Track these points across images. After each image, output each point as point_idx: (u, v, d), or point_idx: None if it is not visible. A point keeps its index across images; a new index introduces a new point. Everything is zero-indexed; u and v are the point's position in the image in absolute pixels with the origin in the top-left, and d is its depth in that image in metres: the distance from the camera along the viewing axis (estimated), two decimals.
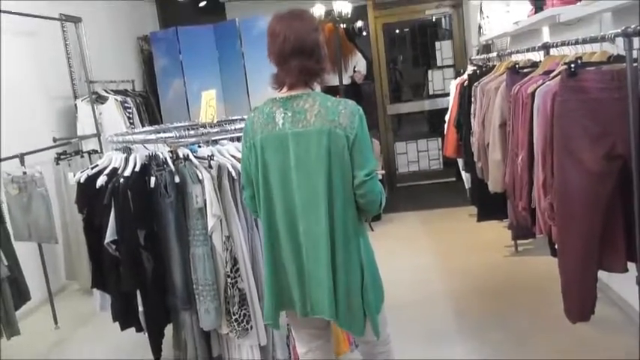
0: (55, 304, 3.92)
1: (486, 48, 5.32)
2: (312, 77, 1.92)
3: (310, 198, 1.87)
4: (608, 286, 3.32)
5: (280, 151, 1.88)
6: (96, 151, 4.45)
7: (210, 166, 2.37)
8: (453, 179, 6.11)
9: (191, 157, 2.42)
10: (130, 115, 4.99)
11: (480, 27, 5.08)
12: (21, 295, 3.10)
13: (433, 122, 7.30)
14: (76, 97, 5.04)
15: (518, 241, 4.36)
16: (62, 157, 4.26)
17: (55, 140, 4.63)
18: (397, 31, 7.32)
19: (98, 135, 4.78)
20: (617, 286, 3.19)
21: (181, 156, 2.44)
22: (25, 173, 3.55)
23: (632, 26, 1.87)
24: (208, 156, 2.40)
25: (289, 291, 1.97)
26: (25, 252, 3.59)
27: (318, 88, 2.04)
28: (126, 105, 5.00)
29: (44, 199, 3.59)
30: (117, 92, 5.23)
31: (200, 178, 2.35)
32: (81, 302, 4.33)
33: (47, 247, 3.93)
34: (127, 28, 6.44)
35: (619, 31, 1.95)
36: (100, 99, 4.97)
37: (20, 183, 3.53)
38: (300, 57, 1.86)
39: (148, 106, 5.57)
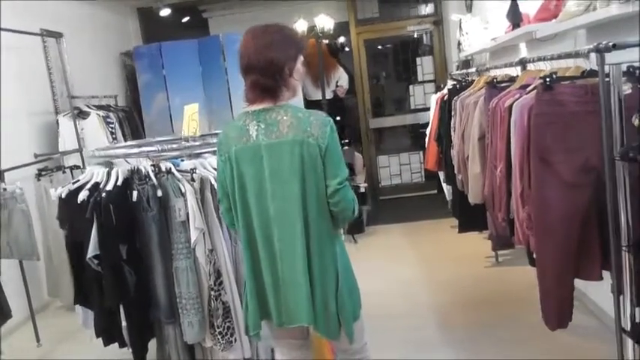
0: (38, 322, 3.86)
1: (466, 63, 5.41)
2: (267, 93, 1.93)
3: (285, 207, 1.90)
4: (585, 295, 3.38)
5: (254, 162, 1.91)
6: (78, 167, 4.42)
7: (192, 179, 2.38)
8: (435, 192, 6.18)
9: (173, 170, 2.42)
10: (113, 130, 4.98)
11: (459, 43, 5.17)
12: (2, 313, 3.06)
13: (415, 136, 7.37)
14: (57, 113, 5.00)
15: (499, 252, 4.42)
16: (43, 172, 4.22)
17: (35, 156, 4.59)
18: (379, 47, 7.41)
19: (80, 150, 4.75)
20: (594, 295, 3.25)
21: (164, 169, 2.44)
22: (4, 190, 3.51)
23: (604, 42, 1.92)
24: (191, 169, 2.40)
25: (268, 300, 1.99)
26: (6, 269, 3.54)
27: (292, 100, 2.07)
28: (108, 120, 4.99)
29: (25, 215, 3.55)
30: (99, 107, 5.21)
31: (183, 191, 2.35)
32: (64, 319, 4.26)
33: (29, 263, 3.88)
34: (110, 43, 6.44)
35: (592, 46, 2.00)
36: (81, 114, 4.94)
37: (0, 199, 3.49)
38: (254, 73, 1.90)
39: (131, 121, 5.55)
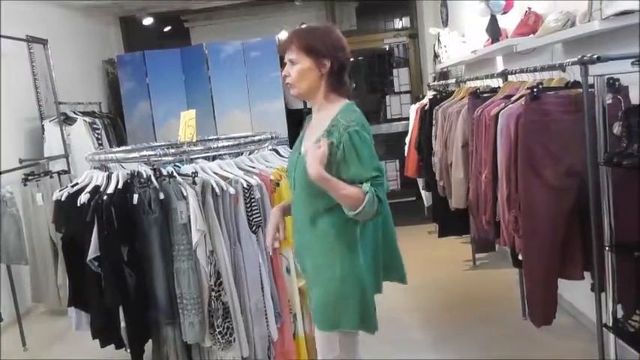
0: (22, 326, 3.79)
1: (443, 75, 5.54)
2: None
3: None
4: (560, 296, 3.47)
5: None
6: (66, 172, 4.36)
7: (194, 183, 2.39)
8: (412, 199, 6.27)
9: (175, 174, 2.43)
10: (99, 137, 4.93)
11: (437, 55, 5.28)
12: None
13: (391, 145, 7.46)
14: (42, 119, 4.93)
15: (476, 256, 4.52)
16: (30, 177, 4.15)
17: (20, 161, 4.51)
18: (357, 58, 7.51)
19: (66, 156, 4.69)
20: (569, 295, 3.35)
21: (165, 173, 2.44)
22: None
23: (588, 55, 2.02)
24: (192, 173, 2.42)
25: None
26: None
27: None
28: (94, 126, 4.94)
29: (15, 219, 3.50)
30: (85, 114, 5.15)
31: (185, 194, 2.36)
32: (48, 324, 4.20)
33: (12, 268, 3.80)
34: (93, 51, 6.38)
35: (576, 59, 2.10)
36: (68, 120, 4.89)
37: None
38: None
39: (116, 128, 5.51)
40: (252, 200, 2.53)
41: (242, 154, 2.79)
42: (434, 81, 5.69)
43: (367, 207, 1.79)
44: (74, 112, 5.04)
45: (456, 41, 4.68)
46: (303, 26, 2.09)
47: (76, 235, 2.56)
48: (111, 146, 5.05)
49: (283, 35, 6.13)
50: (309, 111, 5.73)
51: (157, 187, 2.38)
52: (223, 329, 2.37)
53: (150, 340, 2.57)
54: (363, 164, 1.83)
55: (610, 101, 2.11)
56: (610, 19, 2.15)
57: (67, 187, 2.68)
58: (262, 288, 2.54)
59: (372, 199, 1.79)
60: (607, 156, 1.97)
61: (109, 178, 2.54)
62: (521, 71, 2.77)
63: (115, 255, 2.39)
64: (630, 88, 2.21)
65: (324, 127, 1.91)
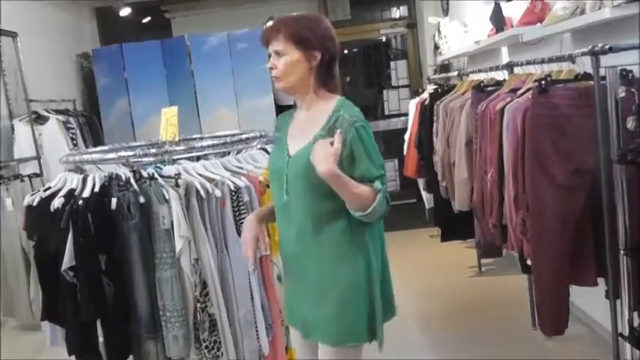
0: None
1: (444, 67, 5.55)
2: None
3: None
4: (572, 303, 3.49)
5: None
6: (38, 175, 4.34)
7: (177, 185, 2.38)
8: (413, 201, 6.29)
9: (156, 176, 2.42)
10: (74, 136, 4.91)
11: (437, 46, 5.30)
12: None
13: (389, 143, 7.48)
14: (12, 118, 4.90)
15: (482, 262, 4.53)
16: None
17: None
18: (352, 50, 7.52)
19: (38, 158, 4.67)
20: (581, 303, 3.37)
21: (145, 175, 2.43)
22: None
23: (600, 45, 2.03)
24: (175, 174, 2.40)
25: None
26: None
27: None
28: (69, 125, 4.92)
29: None
30: (58, 112, 5.13)
31: (167, 198, 2.35)
32: (20, 339, 4.19)
33: None
34: (66, 44, 6.34)
35: (586, 49, 2.11)
36: (39, 119, 4.87)
37: None
38: None
39: (92, 127, 5.49)
40: (240, 203, 2.52)
41: (229, 153, 2.78)
42: (434, 74, 5.71)
43: (377, 207, 1.77)
44: (46, 111, 5.02)
45: (458, 31, 4.69)
46: (289, 15, 2.02)
47: (49, 243, 2.54)
48: (86, 146, 5.03)
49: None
50: None
51: (137, 190, 2.36)
52: (210, 343, 2.36)
53: (131, 356, 2.56)
54: (372, 161, 1.82)
55: (623, 94, 2.11)
56: (622, 7, 2.15)
57: (39, 191, 2.65)
58: (252, 298, 2.53)
59: (383, 198, 1.78)
60: (620, 153, 1.98)
61: (84, 181, 2.52)
62: (528, 63, 2.78)
63: (92, 264, 2.37)
64: None
65: (320, 123, 1.88)
